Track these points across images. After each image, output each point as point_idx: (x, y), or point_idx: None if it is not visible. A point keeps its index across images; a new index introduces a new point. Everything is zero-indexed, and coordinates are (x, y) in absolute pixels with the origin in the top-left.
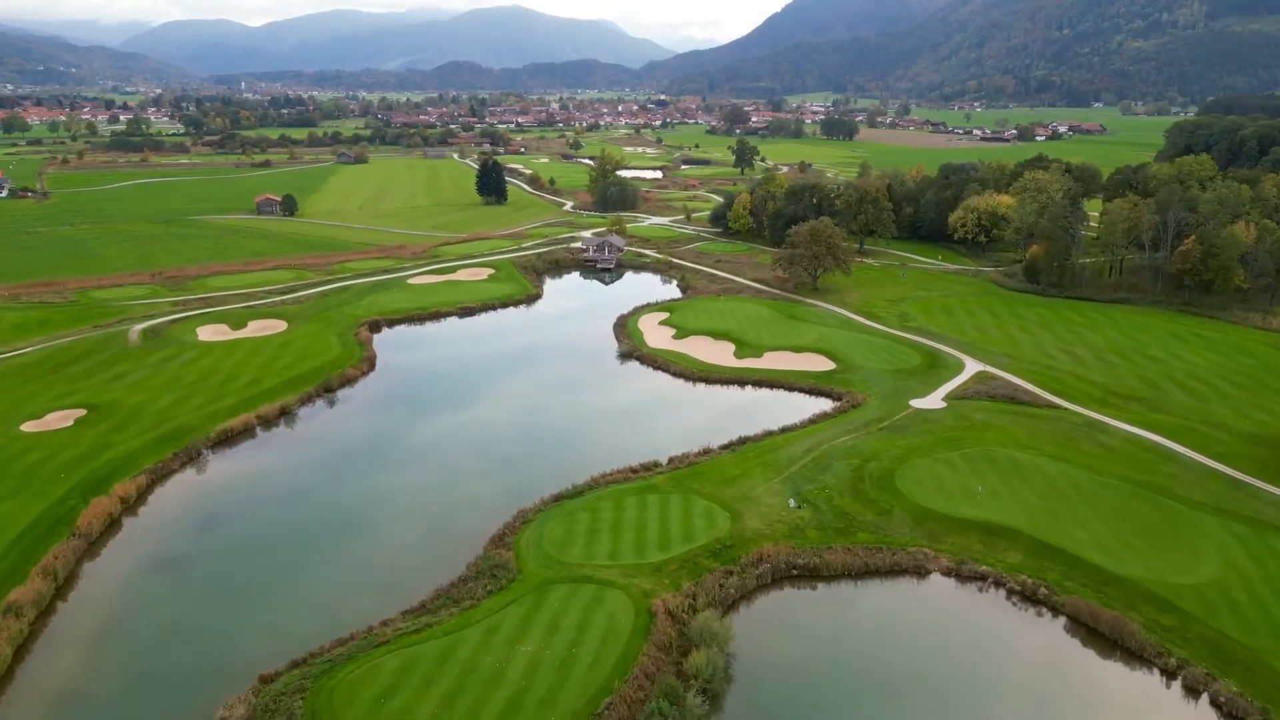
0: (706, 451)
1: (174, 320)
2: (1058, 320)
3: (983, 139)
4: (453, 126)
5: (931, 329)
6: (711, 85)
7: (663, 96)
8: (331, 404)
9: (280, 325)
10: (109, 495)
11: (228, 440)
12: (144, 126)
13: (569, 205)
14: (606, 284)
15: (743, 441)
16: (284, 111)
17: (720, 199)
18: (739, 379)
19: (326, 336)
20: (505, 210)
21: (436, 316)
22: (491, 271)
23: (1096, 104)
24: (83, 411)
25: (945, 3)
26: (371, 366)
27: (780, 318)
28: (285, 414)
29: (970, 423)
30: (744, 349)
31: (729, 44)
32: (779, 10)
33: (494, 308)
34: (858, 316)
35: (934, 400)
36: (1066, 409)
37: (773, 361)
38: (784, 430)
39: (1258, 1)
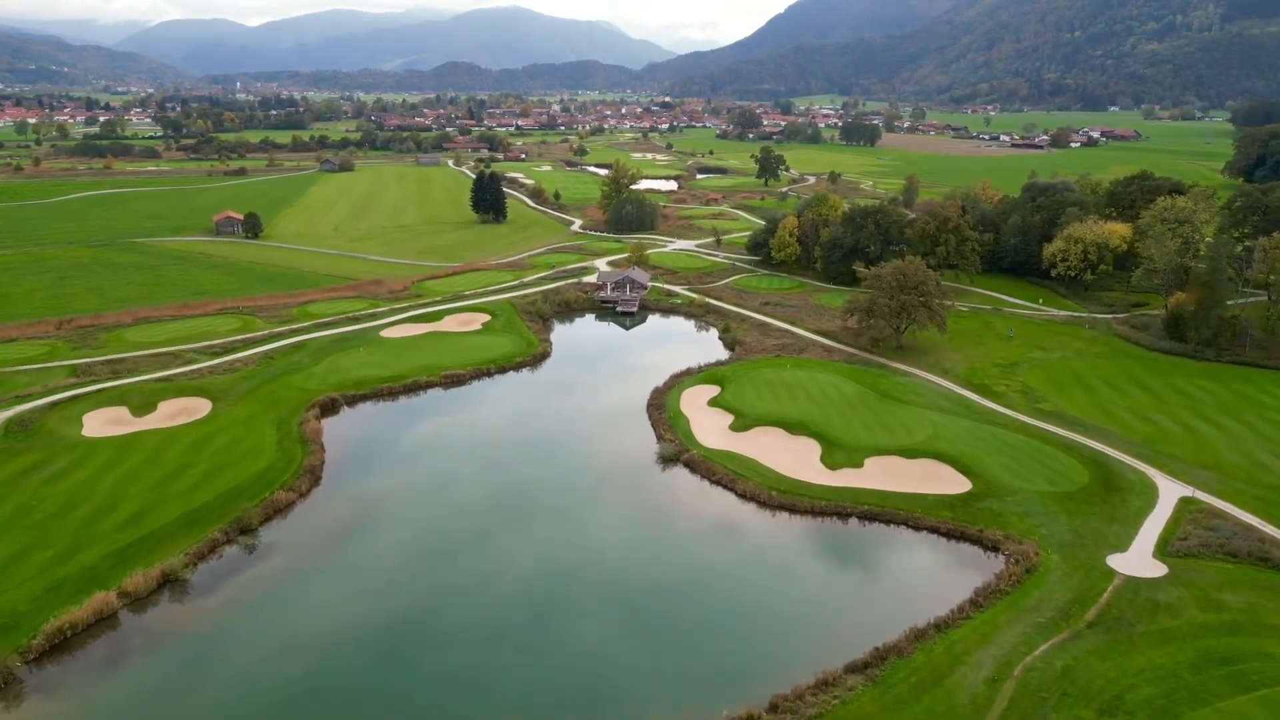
0: (828, 683)
1: (56, 402)
2: (1240, 402)
3: (1013, 145)
4: (449, 130)
5: (1074, 415)
6: (714, 87)
7: (667, 99)
8: (250, 552)
9: (201, 407)
10: None
11: (65, 645)
12: (119, 129)
13: (577, 224)
14: (627, 329)
15: (881, 657)
16: (273, 113)
17: (748, 215)
18: (838, 507)
19: (260, 428)
20: (504, 230)
21: (413, 389)
22: (486, 318)
23: (1113, 108)
24: None
25: (950, 4)
26: (315, 481)
27: (870, 396)
28: (168, 583)
29: (1228, 614)
30: (834, 451)
31: (731, 45)
32: (781, 11)
33: (489, 374)
34: (969, 393)
35: (1142, 557)
36: None
37: (879, 474)
38: (938, 627)
39: (1275, 3)
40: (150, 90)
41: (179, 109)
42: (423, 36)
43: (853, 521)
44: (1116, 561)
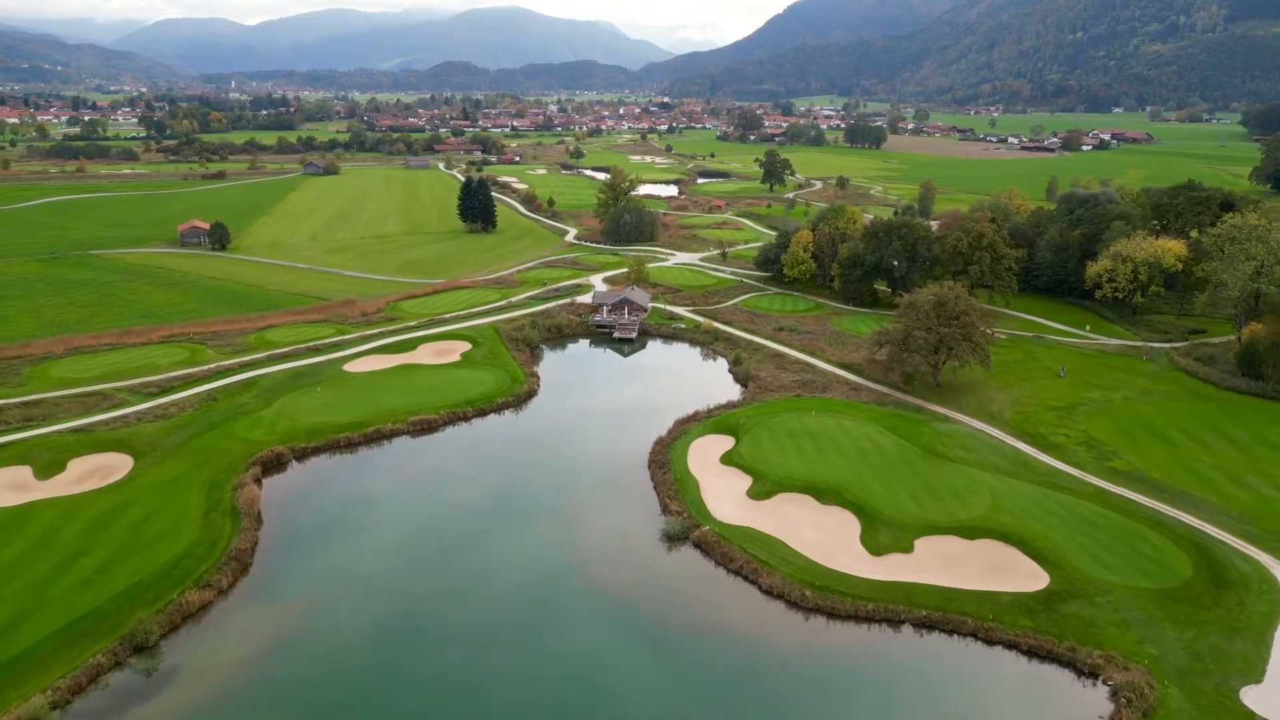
0: None
1: None
2: None
3: (1023, 148)
4: (442, 131)
5: (1155, 477)
6: (713, 88)
7: (666, 99)
8: (146, 677)
9: (120, 466)
10: None
11: None
12: (101, 129)
13: (572, 234)
14: (626, 358)
15: None
16: (263, 113)
17: (754, 224)
18: (888, 612)
19: (185, 496)
20: (493, 241)
21: (375, 439)
22: (467, 347)
23: (1117, 109)
24: None
25: (950, 5)
26: (243, 570)
27: (912, 452)
28: None
29: None
30: (877, 529)
31: (730, 46)
32: (780, 12)
33: (465, 418)
34: (1024, 445)
35: None
36: None
37: (934, 561)
38: None
39: (1279, 4)
40: (143, 90)
41: (166, 109)
42: (420, 36)
43: (906, 629)
44: (1253, 699)
